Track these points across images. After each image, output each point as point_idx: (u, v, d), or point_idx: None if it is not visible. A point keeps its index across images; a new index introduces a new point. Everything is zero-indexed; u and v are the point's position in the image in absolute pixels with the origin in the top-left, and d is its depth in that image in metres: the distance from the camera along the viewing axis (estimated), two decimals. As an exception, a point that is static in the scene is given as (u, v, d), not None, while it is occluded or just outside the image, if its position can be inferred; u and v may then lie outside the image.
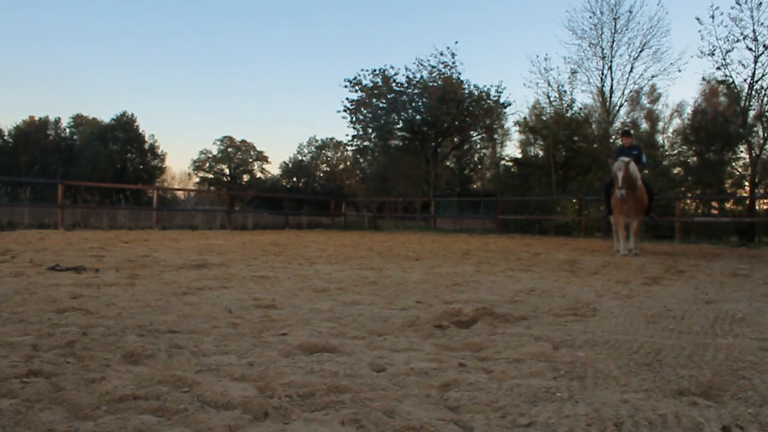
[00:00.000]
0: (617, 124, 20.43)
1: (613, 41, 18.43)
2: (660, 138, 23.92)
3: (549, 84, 20.48)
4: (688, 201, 17.32)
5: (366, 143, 27.06)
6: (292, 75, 69.38)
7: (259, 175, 48.44)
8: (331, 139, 46.42)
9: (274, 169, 60.75)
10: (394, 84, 23.91)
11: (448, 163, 27.94)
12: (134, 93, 63.29)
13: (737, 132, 16.58)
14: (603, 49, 18.58)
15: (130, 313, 2.81)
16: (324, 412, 1.49)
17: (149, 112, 65.30)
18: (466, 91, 23.45)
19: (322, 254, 7.25)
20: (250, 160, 49.26)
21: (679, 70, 22.67)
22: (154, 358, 1.97)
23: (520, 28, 57.60)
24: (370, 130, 25.77)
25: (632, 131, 9.72)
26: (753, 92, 16.35)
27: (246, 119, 70.47)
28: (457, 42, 43.91)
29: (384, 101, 24.19)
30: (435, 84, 23.33)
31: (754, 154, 16.59)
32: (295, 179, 44.66)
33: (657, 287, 4.37)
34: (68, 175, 33.36)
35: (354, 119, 25.27)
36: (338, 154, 46.39)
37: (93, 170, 35.14)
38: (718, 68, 16.66)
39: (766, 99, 16.37)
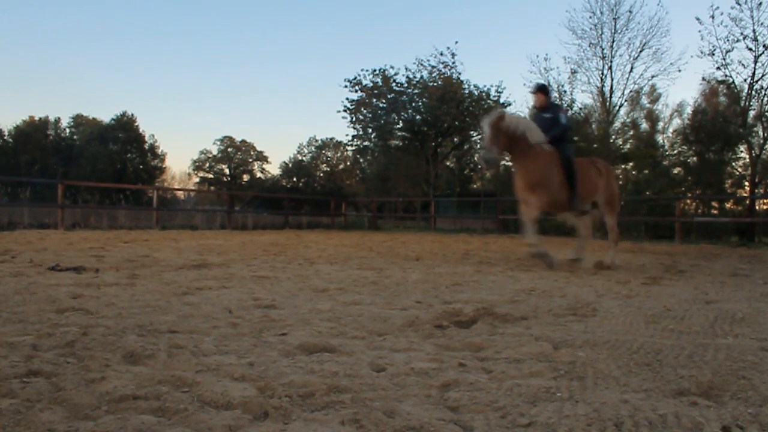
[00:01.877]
0: (617, 124, 20.45)
1: (613, 41, 18.45)
2: (660, 138, 23.89)
3: (549, 84, 20.49)
4: (688, 201, 17.33)
5: (366, 143, 27.08)
6: (292, 75, 69.46)
7: (259, 175, 48.46)
8: (331, 139, 46.46)
9: (274, 169, 60.78)
10: (394, 84, 23.93)
11: (448, 163, 27.93)
12: (134, 93, 63.39)
13: (737, 132, 16.58)
14: (603, 49, 18.61)
15: (130, 313, 2.81)
16: (324, 412, 1.49)
17: (149, 112, 65.38)
18: (466, 91, 23.46)
19: (322, 254, 7.25)
20: (250, 160, 49.28)
21: (679, 70, 22.71)
22: (154, 358, 1.97)
23: (520, 28, 57.62)
24: (370, 130, 25.78)
25: (548, 87, 6.60)
26: (753, 92, 16.36)
27: (246, 119, 70.55)
28: (457, 42, 43.97)
29: (384, 101, 24.20)
30: (435, 84, 23.34)
31: (754, 154, 16.60)
32: (295, 179, 44.63)
33: (657, 287, 4.37)
34: (68, 175, 33.35)
35: (354, 119, 25.29)
36: (338, 154, 46.40)
37: (93, 170, 35.16)
38: (718, 68, 16.68)
39: (766, 99, 16.38)
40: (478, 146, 27.72)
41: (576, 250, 6.37)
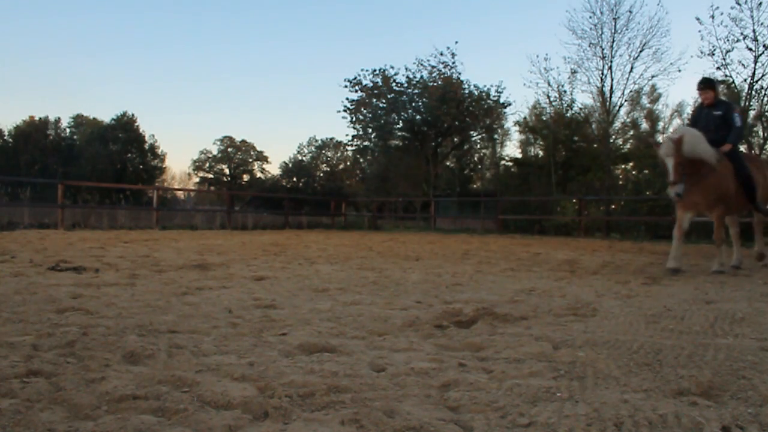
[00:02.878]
0: (617, 124, 20.44)
1: (613, 41, 18.43)
2: (660, 138, 23.89)
3: (549, 84, 20.51)
4: (688, 201, 17.31)
5: (366, 143, 27.08)
6: (292, 75, 69.41)
7: (259, 175, 48.42)
8: (331, 139, 46.40)
9: (274, 169, 60.65)
10: (394, 84, 23.92)
11: (448, 163, 27.92)
12: (134, 93, 63.26)
13: (737, 132, 16.55)
14: (603, 49, 18.58)
15: (130, 313, 2.81)
16: (324, 412, 1.49)
17: (149, 112, 65.33)
18: (466, 91, 23.45)
19: (322, 254, 7.25)
20: (250, 160, 49.26)
21: (679, 70, 22.61)
22: (154, 358, 1.97)
23: (520, 28, 57.51)
24: (370, 130, 25.78)
25: (714, 82, 6.09)
26: (753, 92, 16.34)
27: (246, 119, 70.48)
28: (457, 42, 43.82)
29: (384, 101, 24.20)
30: (435, 84, 23.33)
31: (753, 155, 16.58)
32: (295, 179, 44.61)
33: (657, 287, 4.37)
34: (68, 175, 33.30)
35: (354, 119, 25.28)
36: (338, 154, 46.36)
37: (93, 170, 35.10)
38: (718, 68, 16.64)
39: (766, 99, 16.36)
40: (478, 145, 27.69)
41: (735, 256, 6.24)
